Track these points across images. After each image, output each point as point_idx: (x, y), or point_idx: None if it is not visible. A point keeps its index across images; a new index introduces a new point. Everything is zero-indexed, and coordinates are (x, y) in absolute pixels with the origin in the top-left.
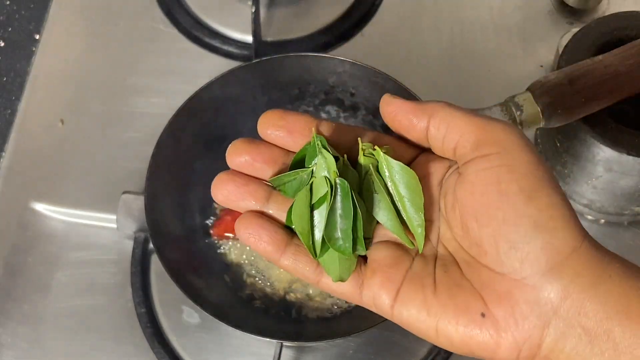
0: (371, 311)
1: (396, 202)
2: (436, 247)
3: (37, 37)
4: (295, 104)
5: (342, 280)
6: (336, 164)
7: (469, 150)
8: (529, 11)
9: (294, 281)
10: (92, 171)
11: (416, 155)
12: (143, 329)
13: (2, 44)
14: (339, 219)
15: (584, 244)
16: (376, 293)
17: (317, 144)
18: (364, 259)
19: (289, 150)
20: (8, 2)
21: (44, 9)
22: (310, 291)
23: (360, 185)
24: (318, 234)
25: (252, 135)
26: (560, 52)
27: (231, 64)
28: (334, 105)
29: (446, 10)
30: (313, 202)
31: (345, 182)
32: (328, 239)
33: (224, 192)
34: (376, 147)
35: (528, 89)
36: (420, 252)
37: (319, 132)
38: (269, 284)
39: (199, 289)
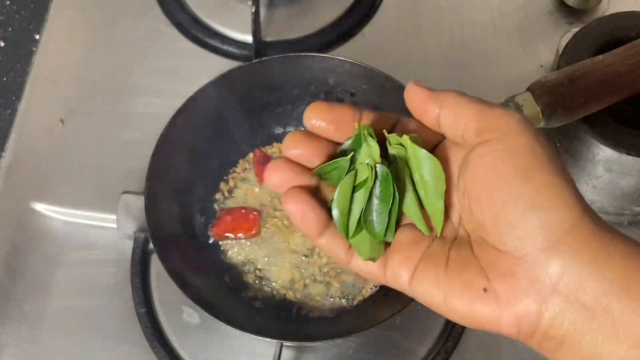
0: (371, 311)
1: (419, 189)
2: (457, 229)
3: (37, 37)
4: (295, 104)
5: (372, 260)
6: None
7: (472, 137)
8: (529, 11)
9: (294, 281)
10: (92, 171)
11: (441, 139)
12: (143, 329)
13: (2, 44)
14: (376, 203)
15: (584, 221)
16: (397, 271)
17: (364, 133)
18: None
19: (332, 141)
20: (8, 2)
21: (44, 9)
22: (310, 291)
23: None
24: (354, 216)
25: (252, 136)
26: (560, 52)
27: (231, 64)
28: None
29: (446, 10)
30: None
31: (386, 168)
32: (364, 221)
33: (279, 176)
34: (404, 135)
35: (528, 89)
36: (438, 236)
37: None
38: (268, 283)
39: (199, 289)
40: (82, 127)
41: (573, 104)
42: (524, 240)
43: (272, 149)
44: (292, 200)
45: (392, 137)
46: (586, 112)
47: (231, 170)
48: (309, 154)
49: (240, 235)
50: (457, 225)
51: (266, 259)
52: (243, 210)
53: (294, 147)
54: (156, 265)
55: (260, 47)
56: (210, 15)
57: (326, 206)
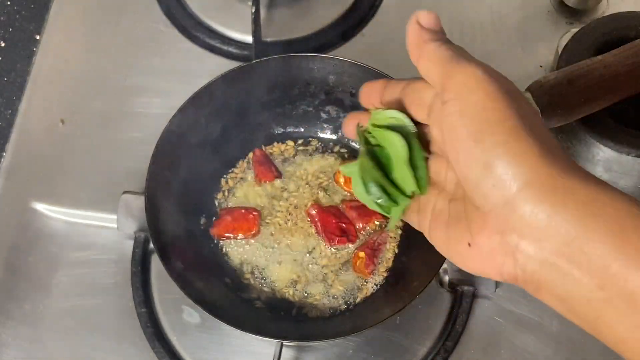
0: (371, 311)
1: (394, 164)
2: (447, 185)
3: (38, 37)
4: (295, 104)
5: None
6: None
7: (440, 94)
8: (528, 11)
9: (294, 281)
10: (92, 171)
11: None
12: (143, 329)
13: (3, 44)
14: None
15: (540, 173)
16: (419, 226)
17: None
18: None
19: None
20: (9, 3)
21: (44, 9)
22: (310, 291)
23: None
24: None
25: (252, 136)
26: (559, 52)
27: (231, 64)
28: (334, 105)
29: (446, 10)
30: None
31: (366, 141)
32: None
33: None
34: (368, 125)
35: (528, 89)
36: (410, 196)
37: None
38: (268, 283)
39: (199, 289)
40: (83, 127)
41: (572, 104)
42: (486, 197)
43: (272, 149)
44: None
45: (360, 131)
46: (586, 112)
47: (231, 170)
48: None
49: (240, 235)
50: (447, 182)
51: (266, 258)
52: (243, 210)
53: (368, 96)
54: (156, 265)
55: (260, 47)
56: (211, 15)
57: None
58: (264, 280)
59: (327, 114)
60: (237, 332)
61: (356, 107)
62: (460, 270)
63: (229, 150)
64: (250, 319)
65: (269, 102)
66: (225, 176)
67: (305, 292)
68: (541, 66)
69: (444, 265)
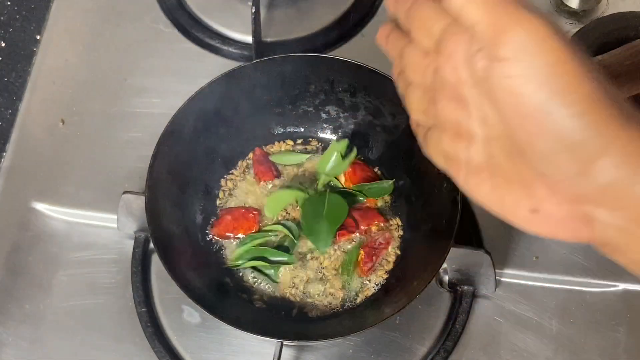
0: (371, 311)
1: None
2: (484, 144)
3: (38, 37)
4: (295, 104)
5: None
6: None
7: (486, 42)
8: None
9: (294, 280)
10: (92, 171)
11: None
12: (144, 329)
13: (3, 45)
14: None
15: (617, 143)
16: (448, 171)
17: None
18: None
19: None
20: (9, 3)
21: (45, 10)
22: (310, 290)
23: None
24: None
25: (252, 136)
26: None
27: (231, 64)
28: (334, 105)
29: None
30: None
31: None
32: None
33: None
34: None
35: None
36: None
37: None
38: (269, 283)
39: (200, 289)
40: (83, 127)
41: None
42: (558, 167)
43: (272, 149)
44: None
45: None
46: None
47: (231, 170)
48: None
49: (240, 234)
50: (482, 137)
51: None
52: (243, 210)
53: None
54: (156, 265)
55: (260, 47)
56: (211, 15)
57: None
58: (264, 280)
59: (327, 114)
60: (237, 332)
61: (356, 107)
62: (460, 270)
63: (229, 150)
64: (250, 319)
65: (269, 102)
66: (225, 176)
67: (306, 292)
68: None
69: (444, 265)
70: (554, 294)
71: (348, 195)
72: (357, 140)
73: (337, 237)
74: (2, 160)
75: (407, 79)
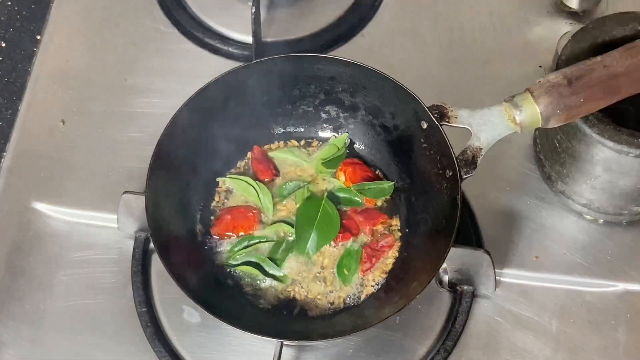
0: (371, 311)
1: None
2: None
3: (38, 37)
4: (295, 104)
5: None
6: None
7: None
8: (528, 12)
9: (294, 280)
10: (93, 171)
11: None
12: (144, 328)
13: (4, 45)
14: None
15: None
16: None
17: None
18: None
19: None
20: (9, 3)
21: (45, 10)
22: (311, 290)
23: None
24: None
25: (252, 136)
26: (559, 52)
27: (231, 64)
28: (334, 105)
29: (446, 10)
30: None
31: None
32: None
33: None
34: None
35: (527, 90)
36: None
37: None
38: (269, 283)
39: (200, 288)
40: (83, 127)
41: (572, 104)
42: None
43: (272, 149)
44: None
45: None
46: (585, 113)
47: (231, 170)
48: None
49: (240, 233)
50: None
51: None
52: (242, 209)
53: None
54: (157, 265)
55: (260, 47)
56: (211, 15)
57: None
58: (264, 280)
59: (327, 114)
60: (237, 332)
61: (356, 107)
62: (460, 270)
63: (229, 149)
64: (251, 319)
65: (268, 102)
66: (225, 175)
67: (306, 292)
68: (541, 66)
69: (444, 265)
70: (553, 294)
71: (347, 200)
72: (357, 140)
73: (341, 239)
74: (2, 160)
75: None
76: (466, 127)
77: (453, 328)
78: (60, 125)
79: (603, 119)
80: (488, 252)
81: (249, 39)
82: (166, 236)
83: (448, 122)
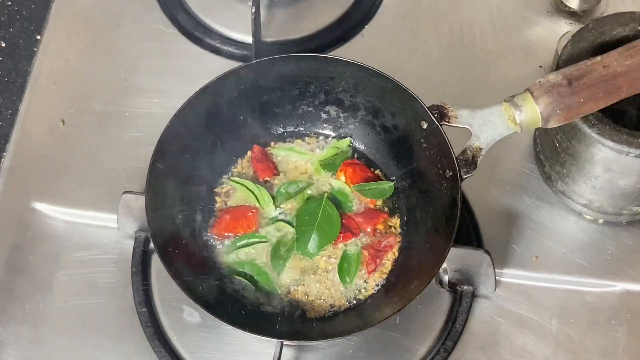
0: (371, 311)
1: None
2: None
3: (38, 37)
4: (295, 104)
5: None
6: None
7: None
8: (528, 12)
9: (294, 280)
10: (93, 171)
11: None
12: (144, 328)
13: (4, 45)
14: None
15: None
16: None
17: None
18: None
19: None
20: (9, 3)
21: (45, 10)
22: (311, 290)
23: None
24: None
25: (252, 136)
26: (559, 52)
27: (231, 64)
28: (334, 105)
29: (446, 11)
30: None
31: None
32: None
33: None
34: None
35: (527, 90)
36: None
37: None
38: (269, 283)
39: (200, 288)
40: (83, 127)
41: (572, 104)
42: None
43: (272, 149)
44: None
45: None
46: (585, 113)
47: (231, 169)
48: None
49: (240, 232)
50: None
51: (266, 258)
52: (242, 209)
53: None
54: (157, 265)
55: (260, 47)
56: (211, 15)
57: None
58: (264, 279)
59: (327, 114)
60: (237, 332)
61: (356, 107)
62: (460, 270)
63: (229, 149)
64: (251, 319)
65: (268, 102)
66: (225, 175)
67: (306, 292)
68: (541, 66)
69: (444, 265)
70: (553, 294)
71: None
72: (357, 140)
73: (342, 239)
74: (2, 160)
75: None
76: (466, 127)
77: (453, 328)
78: (60, 125)
79: (603, 119)
80: (488, 252)
81: (249, 39)
82: (166, 236)
83: (448, 122)
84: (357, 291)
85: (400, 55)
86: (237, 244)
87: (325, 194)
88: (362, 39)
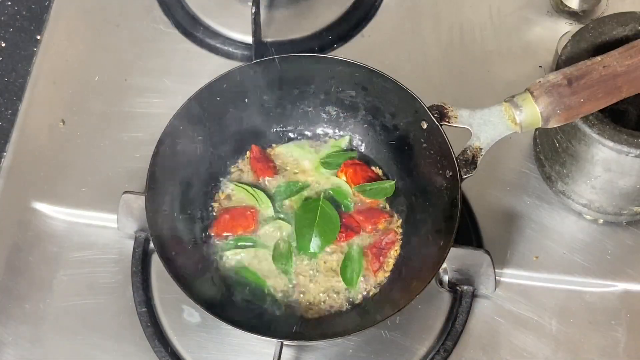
0: (371, 311)
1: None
2: None
3: (38, 37)
4: (295, 104)
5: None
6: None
7: None
8: (528, 12)
9: (294, 281)
10: (92, 171)
11: None
12: (144, 328)
13: (4, 45)
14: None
15: None
16: None
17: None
18: None
19: None
20: (9, 3)
21: (45, 10)
22: (310, 290)
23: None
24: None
25: (252, 136)
26: (559, 52)
27: (231, 64)
28: (334, 105)
29: (446, 10)
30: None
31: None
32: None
33: None
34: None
35: (527, 90)
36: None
37: None
38: (269, 283)
39: (199, 288)
40: (83, 127)
41: (572, 104)
42: None
43: (272, 149)
44: None
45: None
46: (585, 113)
47: (230, 169)
48: None
49: (240, 232)
50: None
51: (266, 258)
52: (241, 208)
53: None
54: (157, 265)
55: (260, 47)
56: (210, 15)
57: None
58: (264, 280)
59: (327, 114)
60: (238, 332)
61: (356, 107)
62: (460, 270)
63: (229, 149)
64: (250, 319)
65: (268, 102)
66: (224, 176)
67: (305, 292)
68: (540, 66)
69: (444, 265)
70: (553, 294)
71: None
72: (357, 140)
73: (344, 238)
74: (2, 160)
75: None
76: (466, 127)
77: (453, 328)
78: (60, 125)
79: (603, 119)
80: (488, 252)
81: (249, 39)
82: (166, 236)
83: (448, 122)
84: (357, 291)
85: (400, 55)
86: (235, 244)
87: (322, 194)
88: (362, 39)
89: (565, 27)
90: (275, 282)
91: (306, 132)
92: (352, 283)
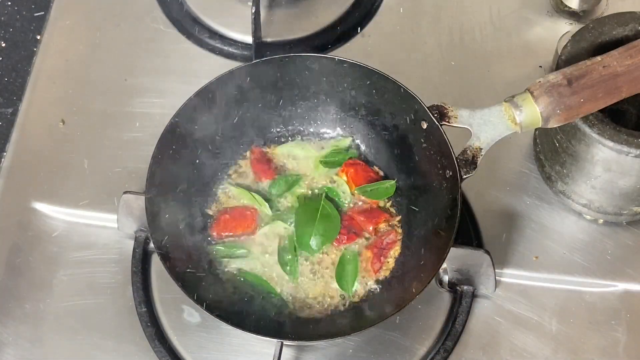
0: (371, 311)
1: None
2: None
3: (38, 37)
4: (295, 104)
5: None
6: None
7: None
8: (528, 12)
9: (295, 281)
10: (92, 171)
11: None
12: (144, 328)
13: (4, 45)
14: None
15: None
16: None
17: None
18: None
19: None
20: (9, 3)
21: (45, 10)
22: (310, 290)
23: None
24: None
25: (252, 136)
26: (559, 52)
27: (231, 65)
28: (334, 105)
29: (446, 10)
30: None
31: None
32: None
33: None
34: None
35: (527, 90)
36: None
37: None
38: (268, 283)
39: (200, 288)
40: (83, 127)
41: (572, 104)
42: None
43: (272, 149)
44: None
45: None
46: (585, 113)
47: (230, 170)
48: None
49: (240, 232)
50: None
51: (266, 258)
52: (241, 209)
53: None
54: (157, 265)
55: (260, 47)
56: (210, 15)
57: None
58: (264, 279)
59: (327, 114)
60: (238, 332)
61: (356, 107)
62: (460, 270)
63: (229, 149)
64: (251, 319)
65: (268, 102)
66: (224, 176)
67: (305, 292)
68: (540, 66)
69: (444, 265)
70: (553, 294)
71: (344, 200)
72: (357, 140)
73: (346, 240)
74: (2, 160)
75: None
76: (466, 127)
77: (453, 328)
78: (60, 125)
79: (603, 119)
80: (488, 252)
81: (249, 39)
82: (166, 236)
83: (448, 122)
84: (357, 291)
85: (400, 55)
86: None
87: (323, 194)
88: (362, 39)
89: (565, 27)
90: (276, 283)
91: (306, 132)
92: (347, 288)
